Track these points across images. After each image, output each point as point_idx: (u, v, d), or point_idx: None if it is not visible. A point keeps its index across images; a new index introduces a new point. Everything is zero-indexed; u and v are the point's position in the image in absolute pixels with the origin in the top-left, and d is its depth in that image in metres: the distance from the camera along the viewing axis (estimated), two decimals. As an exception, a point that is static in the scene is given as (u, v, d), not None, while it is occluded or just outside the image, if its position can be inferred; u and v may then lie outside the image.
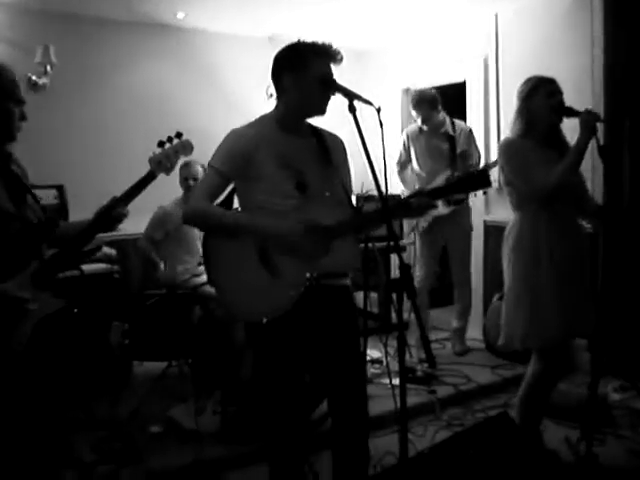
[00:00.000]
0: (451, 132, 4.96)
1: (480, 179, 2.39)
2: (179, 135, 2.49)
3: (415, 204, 2.39)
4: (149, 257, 4.56)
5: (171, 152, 2.46)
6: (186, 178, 4.50)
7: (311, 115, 2.49)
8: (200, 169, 4.51)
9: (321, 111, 2.45)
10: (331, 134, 2.61)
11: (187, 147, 2.50)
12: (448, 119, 5.01)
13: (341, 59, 2.41)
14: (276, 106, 2.51)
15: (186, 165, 4.51)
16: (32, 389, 2.33)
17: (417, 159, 5.09)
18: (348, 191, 2.52)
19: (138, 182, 2.40)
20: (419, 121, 4.95)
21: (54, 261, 2.31)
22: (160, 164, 2.43)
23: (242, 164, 2.39)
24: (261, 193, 2.41)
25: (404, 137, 5.19)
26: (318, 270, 2.37)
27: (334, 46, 2.40)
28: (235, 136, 2.45)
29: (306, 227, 2.34)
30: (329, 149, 2.52)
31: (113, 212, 2.35)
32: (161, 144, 2.45)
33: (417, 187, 5.01)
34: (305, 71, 2.37)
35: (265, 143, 2.41)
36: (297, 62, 2.39)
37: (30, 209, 2.36)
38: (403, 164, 5.22)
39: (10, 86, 2.29)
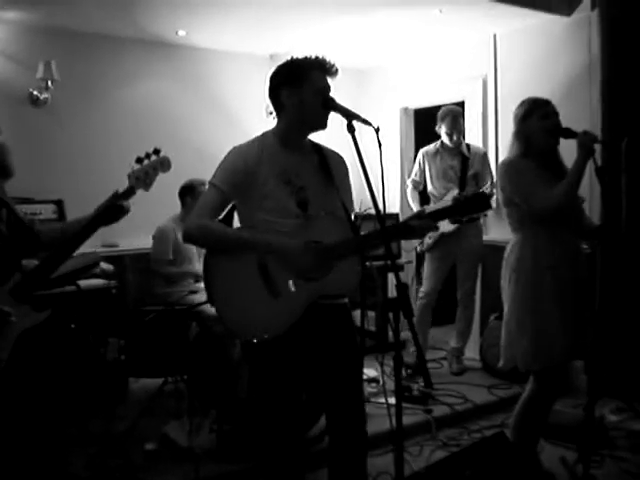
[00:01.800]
0: (466, 153, 5.01)
1: (480, 202, 2.40)
2: (157, 152, 2.50)
3: (416, 226, 2.38)
4: (171, 274, 4.57)
5: (149, 168, 2.47)
6: None
7: (312, 129, 2.49)
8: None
9: (321, 125, 2.45)
10: (333, 152, 2.61)
11: (165, 164, 2.51)
12: (464, 141, 5.10)
13: (336, 71, 2.42)
14: (277, 123, 2.52)
15: (203, 184, 4.53)
16: (18, 401, 2.32)
17: (432, 179, 5.14)
18: (348, 210, 2.49)
19: (117, 196, 2.44)
20: (447, 135, 4.98)
21: (33, 275, 2.31)
22: (139, 180, 2.45)
23: (243, 182, 2.39)
24: (262, 212, 2.41)
25: (420, 157, 5.24)
26: (319, 292, 2.37)
27: (328, 59, 2.42)
28: (236, 153, 2.46)
29: (307, 246, 2.34)
30: (331, 167, 2.52)
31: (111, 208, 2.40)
32: (139, 160, 2.47)
33: (432, 205, 5.07)
34: (302, 85, 2.39)
35: (267, 160, 2.42)
36: (294, 76, 2.41)
37: (4, 224, 2.37)
38: (417, 183, 5.26)
39: None
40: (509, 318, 3.12)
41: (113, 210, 2.42)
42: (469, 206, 2.41)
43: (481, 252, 5.09)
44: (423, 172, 5.20)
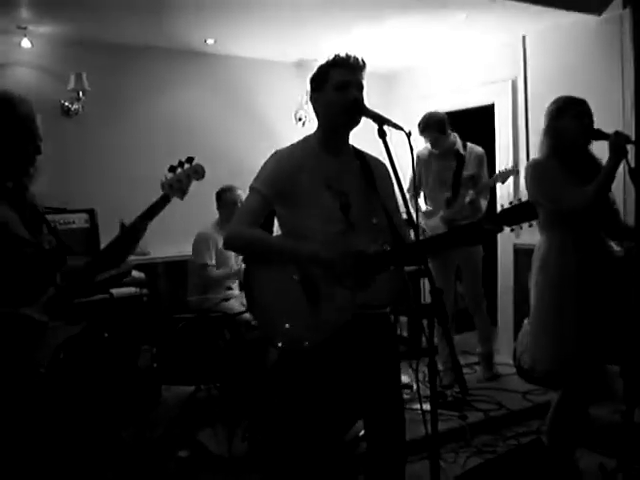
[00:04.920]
0: (462, 152, 4.86)
1: (526, 211, 2.31)
2: (190, 160, 2.50)
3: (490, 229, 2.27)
4: (212, 279, 4.61)
5: (183, 176, 2.47)
6: (235, 202, 4.53)
7: (343, 128, 2.43)
8: (241, 192, 4.54)
9: (347, 122, 2.38)
10: (376, 159, 2.57)
11: (199, 171, 2.51)
12: (460, 140, 4.92)
13: (355, 63, 2.37)
14: (316, 129, 2.51)
15: (230, 190, 4.58)
16: (56, 413, 2.34)
17: (427, 183, 5.00)
18: (393, 218, 2.41)
19: (151, 206, 2.42)
20: (428, 145, 4.90)
21: (69, 289, 2.33)
22: (172, 187, 2.45)
23: (286, 186, 2.37)
24: (304, 218, 2.38)
25: (415, 160, 5.07)
26: (360, 302, 2.32)
27: (345, 53, 2.38)
28: (279, 158, 2.44)
29: (352, 256, 2.29)
30: (373, 174, 2.48)
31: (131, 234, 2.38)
32: (172, 169, 2.47)
33: (428, 209, 4.97)
34: (324, 85, 2.38)
35: (309, 165, 2.40)
36: (317, 80, 2.42)
37: (45, 238, 2.40)
38: (417, 189, 5.04)
39: (26, 122, 2.28)
40: (533, 319, 3.10)
41: (130, 235, 2.40)
42: (513, 216, 2.33)
43: (479, 257, 4.94)
44: (419, 176, 5.02)
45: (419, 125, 4.84)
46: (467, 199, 4.66)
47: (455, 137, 4.91)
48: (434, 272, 4.88)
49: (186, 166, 2.49)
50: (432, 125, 4.79)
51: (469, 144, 4.97)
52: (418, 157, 5.04)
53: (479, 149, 4.98)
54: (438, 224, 4.74)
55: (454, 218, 4.69)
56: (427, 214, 4.93)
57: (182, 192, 2.47)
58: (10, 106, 2.26)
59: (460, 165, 4.84)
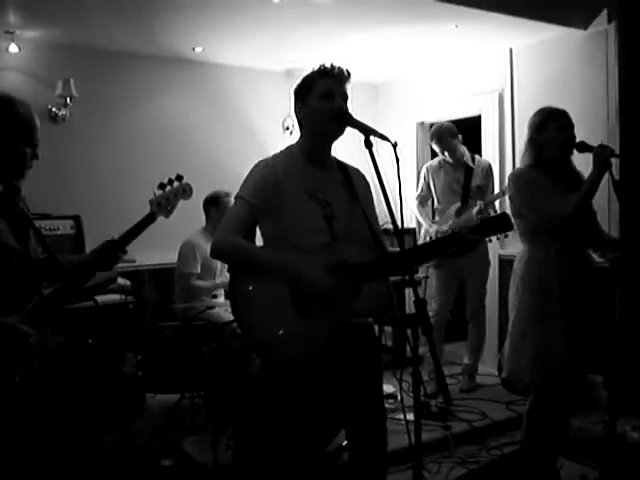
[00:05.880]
0: (470, 164, 4.95)
1: (501, 223, 2.32)
2: (180, 178, 2.51)
3: (472, 239, 2.27)
4: (198, 288, 4.60)
5: (171, 195, 2.47)
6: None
7: (327, 138, 2.44)
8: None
9: (332, 132, 2.39)
10: (357, 170, 2.58)
11: (187, 190, 2.52)
12: (468, 152, 5.01)
13: (340, 73, 2.38)
14: (299, 138, 2.51)
15: (229, 195, 4.58)
16: (35, 421, 2.32)
17: (437, 193, 5.10)
18: (375, 229, 2.44)
19: (137, 224, 2.41)
20: (446, 154, 4.92)
21: (53, 298, 2.31)
22: (160, 206, 2.45)
23: (271, 195, 2.36)
24: (287, 229, 2.37)
25: (424, 172, 5.19)
26: (349, 312, 2.33)
27: (331, 63, 2.39)
28: (264, 167, 2.43)
29: (332, 269, 2.29)
30: (355, 185, 2.49)
31: (109, 255, 2.36)
32: (162, 186, 2.47)
33: (437, 219, 5.03)
34: (309, 95, 2.39)
35: (292, 174, 2.40)
36: (302, 89, 2.43)
37: (33, 247, 2.38)
38: (424, 198, 5.20)
39: (26, 126, 2.29)
40: (514, 329, 3.08)
41: (105, 259, 2.38)
42: (490, 227, 2.35)
43: (487, 269, 5.02)
44: (428, 186, 5.15)
45: (433, 136, 4.92)
46: (475, 209, 4.73)
47: (464, 149, 5.00)
48: (438, 281, 5.01)
49: (175, 184, 2.49)
50: (446, 132, 4.88)
51: (477, 156, 5.10)
52: (427, 168, 5.17)
53: (486, 161, 5.15)
54: (447, 233, 4.79)
55: (463, 228, 4.72)
56: (436, 223, 5.01)
57: (168, 211, 2.47)
58: (11, 108, 2.28)
59: (469, 176, 4.93)
